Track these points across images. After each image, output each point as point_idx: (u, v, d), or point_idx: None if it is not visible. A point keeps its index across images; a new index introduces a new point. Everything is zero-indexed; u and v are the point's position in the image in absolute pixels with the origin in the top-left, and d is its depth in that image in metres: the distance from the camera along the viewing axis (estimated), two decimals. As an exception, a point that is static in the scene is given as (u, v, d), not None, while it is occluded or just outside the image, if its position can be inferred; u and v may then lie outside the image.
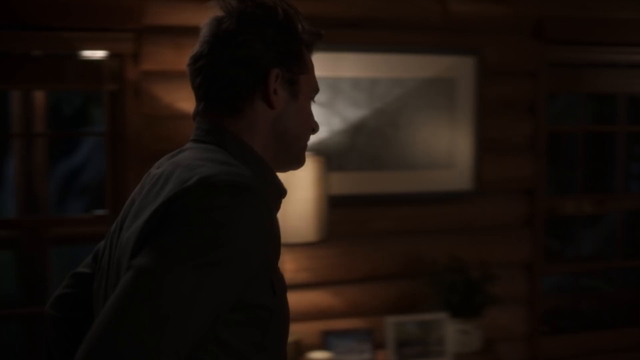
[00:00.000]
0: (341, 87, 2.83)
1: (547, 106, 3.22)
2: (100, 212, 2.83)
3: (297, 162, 1.32)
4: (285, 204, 1.34)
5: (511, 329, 3.27)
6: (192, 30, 2.86)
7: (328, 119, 2.83)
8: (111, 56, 2.69)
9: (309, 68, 1.29)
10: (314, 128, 1.32)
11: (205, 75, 1.23)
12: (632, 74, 3.53)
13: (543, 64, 3.17)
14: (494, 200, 3.18)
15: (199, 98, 1.26)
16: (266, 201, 1.08)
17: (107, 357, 0.91)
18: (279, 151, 1.28)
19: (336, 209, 2.79)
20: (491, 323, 3.10)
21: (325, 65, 2.79)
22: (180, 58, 2.69)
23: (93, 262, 1.39)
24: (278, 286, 1.13)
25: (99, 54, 2.68)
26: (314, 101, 1.33)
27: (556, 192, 4.71)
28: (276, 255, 1.13)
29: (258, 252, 1.04)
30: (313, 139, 1.40)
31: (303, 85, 1.28)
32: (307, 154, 1.35)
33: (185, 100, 2.70)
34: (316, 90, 1.33)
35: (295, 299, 2.33)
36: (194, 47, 1.27)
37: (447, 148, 2.99)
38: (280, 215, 1.26)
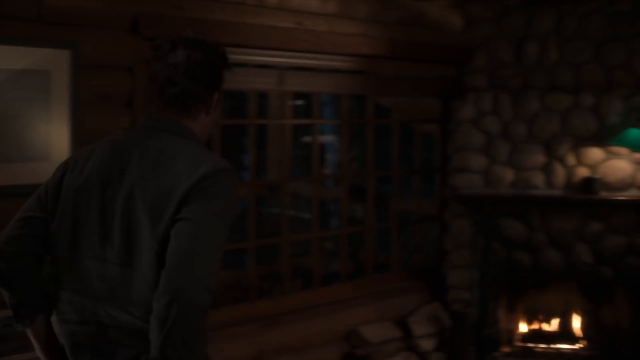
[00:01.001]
0: None
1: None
2: None
3: None
4: None
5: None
6: None
7: None
8: None
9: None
10: None
11: (176, 88, 1.93)
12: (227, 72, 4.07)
13: (140, 59, 3.53)
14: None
15: (164, 101, 1.95)
16: None
17: (202, 281, 1.66)
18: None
19: None
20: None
21: None
22: None
23: (38, 205, 1.98)
24: None
25: None
26: None
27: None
28: None
29: None
30: None
31: (220, 100, 2.05)
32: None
33: None
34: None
35: None
36: (159, 63, 1.95)
37: (43, 141, 3.16)
38: None
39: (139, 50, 3.51)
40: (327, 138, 7.99)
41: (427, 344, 4.92)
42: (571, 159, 5.00)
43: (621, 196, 4.91)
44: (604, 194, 4.92)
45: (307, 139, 7.01)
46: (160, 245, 1.73)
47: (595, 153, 4.97)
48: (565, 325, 5.41)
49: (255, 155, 4.65)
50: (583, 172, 4.98)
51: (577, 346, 5.30)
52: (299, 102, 7.53)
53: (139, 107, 3.52)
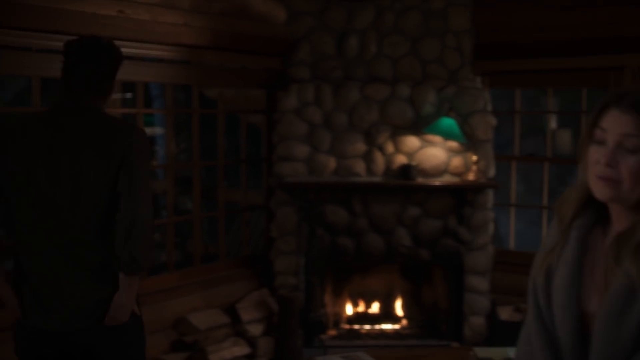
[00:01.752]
0: None
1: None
2: None
3: None
4: None
5: None
6: None
7: None
8: None
9: None
10: None
11: (95, 80, 2.73)
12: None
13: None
14: None
15: (85, 88, 2.72)
16: None
17: (148, 206, 2.65)
18: None
19: None
20: None
21: None
22: None
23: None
24: None
25: None
26: None
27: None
28: None
29: None
30: None
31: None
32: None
33: None
34: None
35: None
36: (80, 61, 2.72)
37: None
38: None
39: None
40: (158, 130, 8.08)
41: (255, 329, 5.17)
42: (390, 147, 5.42)
43: (436, 182, 5.39)
44: (420, 180, 5.39)
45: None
46: (113, 184, 2.62)
47: (411, 141, 5.42)
48: (388, 306, 5.85)
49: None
50: (401, 159, 5.42)
51: (399, 326, 5.75)
52: (128, 95, 7.57)
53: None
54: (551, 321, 1.89)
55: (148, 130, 6.91)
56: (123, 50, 4.44)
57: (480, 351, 3.29)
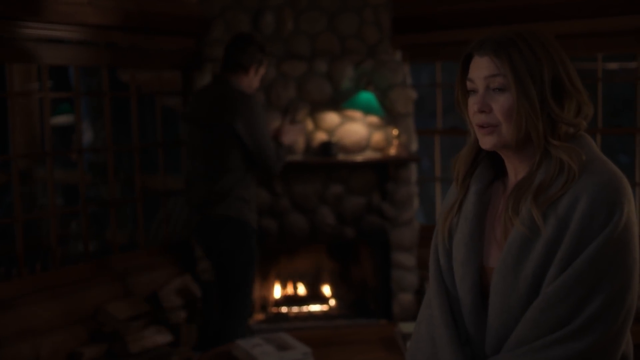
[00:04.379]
0: None
1: None
2: None
3: None
4: None
5: None
6: None
7: None
8: None
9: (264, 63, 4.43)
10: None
11: (236, 60, 4.29)
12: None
13: None
14: None
15: (230, 68, 4.32)
16: None
17: (268, 149, 4.32)
18: None
19: None
20: None
21: None
22: None
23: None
24: None
25: None
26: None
27: None
28: None
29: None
30: None
31: (260, 69, 4.40)
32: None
33: None
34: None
35: None
36: (227, 49, 4.36)
37: None
38: None
39: None
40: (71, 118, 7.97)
41: (177, 316, 5.15)
42: (309, 124, 5.45)
43: (358, 158, 5.44)
44: (341, 157, 5.42)
45: (56, 119, 6.95)
46: (240, 133, 4.17)
47: (331, 117, 5.46)
48: (317, 287, 5.89)
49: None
50: (321, 136, 5.45)
51: (327, 307, 5.79)
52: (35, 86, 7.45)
53: None
54: (451, 281, 1.87)
55: (64, 119, 6.79)
56: (24, 31, 4.45)
57: (405, 326, 3.34)
